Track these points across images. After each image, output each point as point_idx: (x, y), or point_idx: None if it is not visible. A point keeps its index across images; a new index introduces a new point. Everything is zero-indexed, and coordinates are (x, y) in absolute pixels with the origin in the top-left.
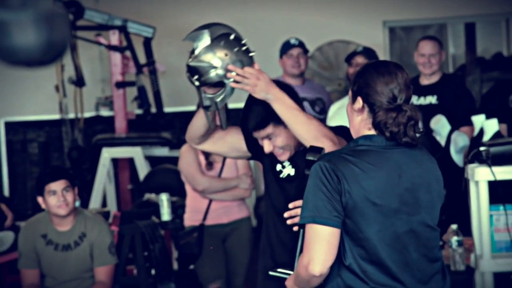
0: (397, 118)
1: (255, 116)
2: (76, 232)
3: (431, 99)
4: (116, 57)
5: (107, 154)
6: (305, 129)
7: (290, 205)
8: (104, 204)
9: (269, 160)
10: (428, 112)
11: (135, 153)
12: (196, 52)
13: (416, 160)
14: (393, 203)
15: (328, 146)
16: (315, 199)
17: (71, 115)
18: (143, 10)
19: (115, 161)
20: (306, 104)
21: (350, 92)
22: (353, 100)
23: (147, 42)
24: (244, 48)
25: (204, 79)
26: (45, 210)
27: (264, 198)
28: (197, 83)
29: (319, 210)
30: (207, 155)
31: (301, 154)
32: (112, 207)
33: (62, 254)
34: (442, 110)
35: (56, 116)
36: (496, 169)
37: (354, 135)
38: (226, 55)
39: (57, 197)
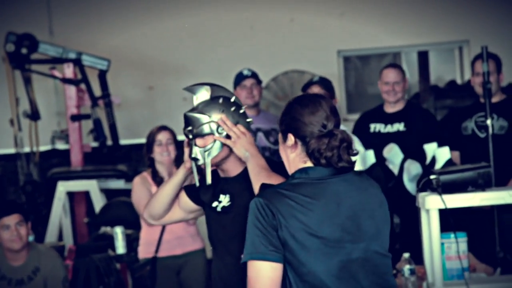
0: (330, 142)
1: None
2: (30, 267)
3: (399, 126)
4: (71, 90)
5: (63, 187)
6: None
7: None
8: (60, 237)
9: (208, 201)
10: (397, 139)
11: (91, 186)
12: (195, 104)
13: (356, 186)
14: (335, 233)
15: None
16: (252, 236)
17: (27, 149)
18: (98, 42)
19: (71, 195)
20: (260, 135)
21: (279, 134)
22: (284, 138)
23: (102, 75)
24: (241, 111)
25: (196, 130)
26: None
27: (208, 237)
28: (189, 134)
29: (256, 246)
30: (160, 185)
31: (234, 182)
32: (68, 240)
33: None
34: (410, 136)
35: (11, 150)
36: (446, 197)
37: (290, 170)
38: (222, 111)
39: (10, 231)
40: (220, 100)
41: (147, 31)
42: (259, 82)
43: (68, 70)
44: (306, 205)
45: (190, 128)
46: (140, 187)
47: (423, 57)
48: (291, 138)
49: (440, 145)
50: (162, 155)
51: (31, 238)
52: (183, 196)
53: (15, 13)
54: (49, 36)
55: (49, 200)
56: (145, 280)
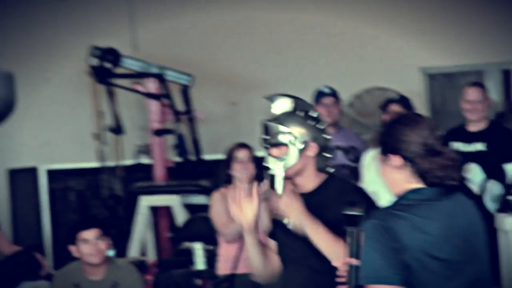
0: (440, 161)
1: None
2: (109, 282)
3: (479, 146)
4: (154, 105)
5: (145, 202)
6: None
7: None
8: (143, 252)
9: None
10: (477, 158)
11: (173, 201)
12: (275, 113)
13: (462, 206)
14: (453, 254)
15: None
16: (370, 259)
17: (111, 163)
18: (181, 57)
19: (155, 209)
20: (339, 153)
21: (381, 156)
22: (387, 159)
23: (185, 90)
24: (321, 126)
25: (274, 138)
26: (78, 259)
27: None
28: (266, 143)
29: (377, 270)
30: None
31: (308, 198)
32: (151, 255)
33: None
34: (491, 156)
35: (95, 164)
36: None
37: (395, 191)
38: (301, 124)
39: (89, 245)
40: (302, 114)
41: (231, 47)
42: (338, 100)
43: (151, 85)
44: (423, 226)
45: (266, 137)
46: (218, 204)
47: (506, 75)
48: (396, 159)
49: None
50: (241, 172)
51: (112, 253)
52: (271, 243)
53: (98, 27)
54: (133, 51)
55: (132, 215)
56: None
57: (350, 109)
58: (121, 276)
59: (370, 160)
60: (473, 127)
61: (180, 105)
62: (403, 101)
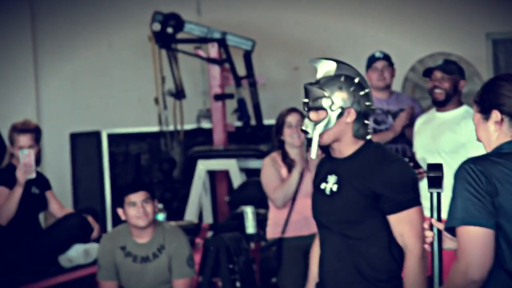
0: None
1: None
2: (155, 244)
3: None
4: (215, 69)
5: (202, 166)
6: None
7: (426, 225)
8: (200, 216)
9: (316, 182)
10: None
11: (230, 165)
12: (318, 76)
13: None
14: None
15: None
16: (463, 201)
17: (172, 128)
18: (244, 23)
19: (213, 174)
20: (390, 117)
21: (476, 115)
22: (486, 118)
23: (247, 55)
24: (362, 93)
25: (311, 102)
26: (125, 222)
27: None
28: (305, 106)
29: (469, 211)
30: (289, 167)
31: (343, 164)
32: (208, 219)
33: (141, 266)
34: None
35: (157, 129)
36: None
37: (491, 148)
38: (340, 89)
39: (136, 208)
40: (342, 78)
41: (293, 12)
42: (391, 64)
43: (213, 50)
44: None
45: (306, 100)
46: (269, 168)
47: None
48: (497, 115)
49: None
50: (292, 137)
51: (162, 216)
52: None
53: None
54: (197, 16)
55: (191, 179)
56: (269, 261)
57: (413, 73)
58: (167, 239)
59: (420, 126)
60: None
61: (241, 70)
62: (446, 66)
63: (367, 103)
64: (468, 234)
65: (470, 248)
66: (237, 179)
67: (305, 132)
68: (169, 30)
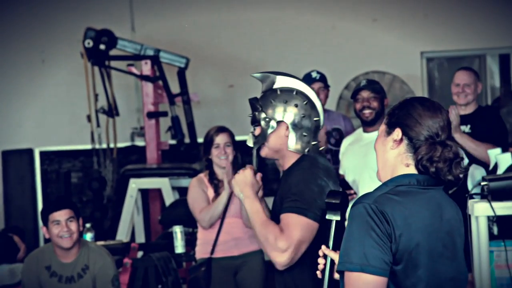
0: (443, 153)
1: None
2: (79, 264)
3: (464, 128)
4: (148, 87)
5: (134, 184)
6: (260, 231)
7: (321, 252)
8: (133, 235)
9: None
10: None
11: (163, 184)
12: (261, 90)
13: (449, 201)
14: (437, 247)
15: (282, 244)
16: (362, 245)
17: (105, 145)
18: (177, 40)
19: (147, 192)
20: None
21: (382, 126)
22: (388, 132)
23: (181, 72)
24: (298, 104)
25: (252, 116)
26: (50, 241)
27: None
28: (249, 118)
29: (368, 258)
30: (216, 188)
31: (283, 176)
32: (140, 238)
33: (66, 286)
34: (474, 138)
35: (89, 146)
36: (496, 204)
37: (386, 171)
38: (271, 102)
39: (60, 226)
40: (278, 91)
41: (227, 29)
42: (326, 86)
43: (146, 67)
44: (417, 214)
45: (250, 113)
46: (195, 189)
47: (505, 60)
48: (398, 133)
49: (504, 150)
50: (219, 158)
51: (90, 235)
52: None
53: (97, 9)
54: (131, 33)
55: (123, 197)
56: (198, 281)
57: (347, 91)
58: (91, 259)
59: (346, 146)
60: (461, 111)
61: (175, 88)
62: (372, 86)
63: (303, 115)
64: (362, 282)
65: None
66: (170, 198)
67: (251, 146)
68: (102, 46)
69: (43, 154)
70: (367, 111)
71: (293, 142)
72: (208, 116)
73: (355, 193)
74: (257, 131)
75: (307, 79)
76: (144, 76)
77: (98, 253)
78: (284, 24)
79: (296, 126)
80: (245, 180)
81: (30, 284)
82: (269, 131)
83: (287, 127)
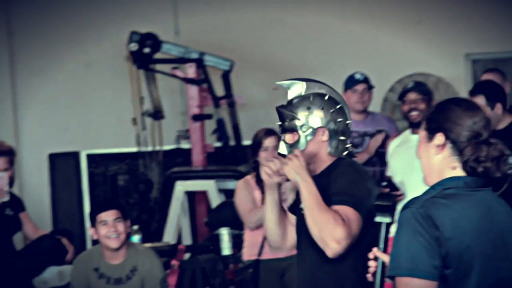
0: (489, 152)
1: None
2: (128, 266)
3: None
4: (193, 90)
5: (181, 187)
6: (320, 215)
7: (371, 255)
8: (180, 237)
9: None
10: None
11: (209, 186)
12: (289, 97)
13: (498, 201)
14: (488, 248)
15: (342, 233)
16: (410, 250)
17: (151, 148)
18: (222, 42)
19: (193, 194)
20: (367, 139)
21: (424, 132)
22: (430, 138)
23: (225, 75)
24: (332, 110)
25: (285, 124)
26: (98, 243)
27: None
28: (278, 127)
29: (416, 262)
30: (263, 190)
31: (316, 181)
32: (187, 240)
33: (115, 287)
34: None
35: (135, 149)
36: None
37: (433, 176)
38: (309, 108)
39: (107, 227)
40: (311, 98)
41: (272, 32)
42: (370, 87)
43: (191, 70)
44: (466, 217)
45: (279, 122)
46: (242, 191)
47: None
48: (440, 138)
49: None
50: (267, 160)
51: (137, 237)
52: (290, 216)
53: (141, 13)
54: (175, 36)
55: (169, 200)
56: (246, 283)
57: (392, 93)
58: (140, 261)
59: (394, 148)
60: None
61: (220, 90)
62: (420, 88)
63: (340, 119)
64: (413, 286)
65: None
66: (216, 200)
67: (282, 155)
68: (146, 50)
69: (89, 157)
70: (414, 113)
71: (332, 147)
72: (252, 119)
73: (402, 194)
74: (290, 138)
75: (351, 81)
76: (189, 79)
77: (146, 255)
78: (329, 27)
79: (333, 130)
80: (299, 164)
81: (78, 286)
82: (309, 138)
83: (325, 133)
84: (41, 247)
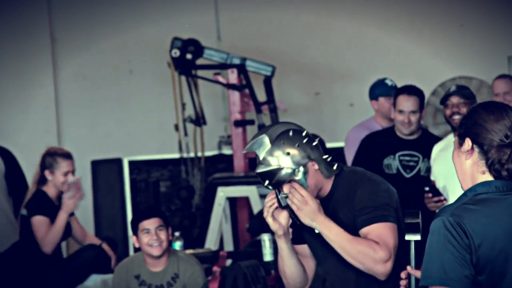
0: None
1: None
2: (169, 273)
3: None
4: (235, 95)
5: (222, 193)
6: (354, 248)
7: (404, 274)
8: (222, 244)
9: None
10: None
11: (250, 192)
12: (261, 158)
13: None
14: None
15: (383, 255)
16: (441, 259)
17: (192, 154)
18: (263, 48)
19: (235, 200)
20: None
21: (456, 138)
22: (460, 143)
23: (267, 81)
24: (305, 140)
25: (275, 181)
26: (140, 250)
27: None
28: (270, 187)
29: (447, 271)
30: None
31: (324, 202)
32: (229, 246)
33: None
34: None
35: (177, 155)
36: None
37: (466, 181)
38: (288, 153)
39: (150, 235)
40: (282, 142)
41: (313, 37)
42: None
43: (232, 76)
44: (497, 222)
45: (267, 183)
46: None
47: None
48: (468, 142)
49: None
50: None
51: (179, 244)
52: (298, 248)
53: (183, 19)
54: (217, 42)
55: (211, 206)
56: None
57: (434, 97)
58: (182, 268)
59: (437, 153)
60: None
61: (262, 96)
62: (462, 91)
63: (313, 143)
64: None
65: None
66: (258, 206)
67: (288, 207)
68: (188, 56)
69: (131, 163)
70: (456, 117)
71: (324, 171)
72: None
73: (445, 199)
74: (287, 189)
75: (384, 87)
76: (230, 84)
77: (187, 262)
78: (370, 31)
79: (316, 157)
80: (311, 209)
81: None
82: (305, 175)
83: (313, 163)
84: (85, 257)
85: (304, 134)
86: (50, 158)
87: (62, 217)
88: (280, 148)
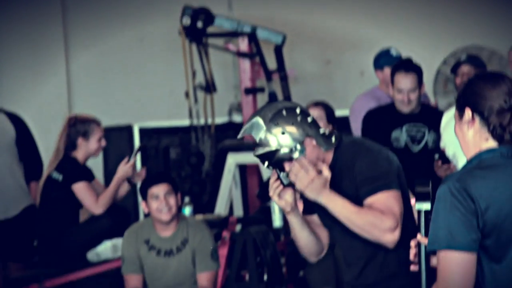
0: None
1: None
2: (179, 238)
3: None
4: (245, 63)
5: (232, 159)
6: (361, 219)
7: (414, 242)
8: (231, 210)
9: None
10: None
11: None
12: (257, 140)
13: None
14: None
15: (390, 223)
16: (448, 224)
17: (203, 121)
18: (274, 16)
19: (245, 167)
20: None
21: (456, 111)
22: (461, 114)
23: (278, 49)
24: (299, 117)
25: (274, 161)
26: (149, 215)
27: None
28: (271, 168)
29: (454, 236)
30: None
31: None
32: (238, 212)
33: (164, 259)
34: None
35: (187, 122)
36: None
37: (471, 152)
38: (283, 133)
39: (159, 201)
40: (277, 122)
41: (324, 5)
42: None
43: (243, 44)
44: (503, 186)
45: (267, 164)
46: None
47: None
48: (468, 112)
49: None
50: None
51: (188, 209)
52: (311, 218)
53: None
54: (228, 11)
55: (221, 172)
56: (298, 254)
57: (446, 66)
58: (191, 233)
59: (447, 121)
60: None
61: (272, 64)
62: (473, 61)
63: (308, 119)
64: (451, 259)
65: (451, 273)
66: (267, 173)
67: (290, 185)
68: (199, 24)
69: (142, 130)
70: None
71: (323, 144)
72: (305, 92)
73: (454, 166)
74: (288, 167)
75: (389, 57)
76: (241, 52)
77: (197, 227)
78: (381, 0)
79: (313, 132)
80: (316, 185)
81: (129, 257)
82: (303, 152)
83: (311, 139)
84: (100, 224)
85: (298, 111)
86: (84, 125)
87: (115, 182)
88: (276, 128)
